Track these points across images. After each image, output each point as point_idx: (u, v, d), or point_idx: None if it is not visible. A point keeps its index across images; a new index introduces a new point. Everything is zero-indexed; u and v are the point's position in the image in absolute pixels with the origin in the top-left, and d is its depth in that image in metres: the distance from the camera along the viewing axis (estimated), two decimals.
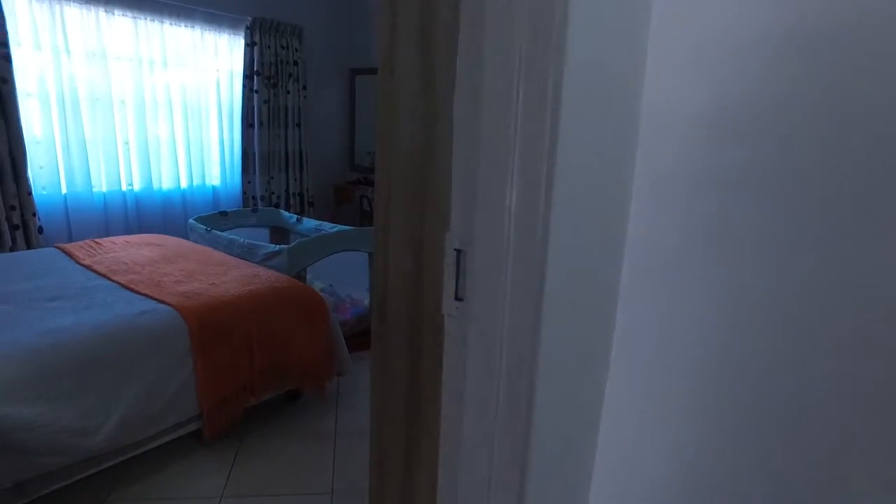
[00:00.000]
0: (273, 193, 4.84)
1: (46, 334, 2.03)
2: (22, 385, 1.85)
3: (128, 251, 3.12)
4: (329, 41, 5.35)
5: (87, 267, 2.85)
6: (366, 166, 5.57)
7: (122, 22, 3.85)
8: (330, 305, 3.47)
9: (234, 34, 4.51)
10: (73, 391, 1.95)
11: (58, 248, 3.16)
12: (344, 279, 3.80)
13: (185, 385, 2.25)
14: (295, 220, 4.00)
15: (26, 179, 3.45)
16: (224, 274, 2.78)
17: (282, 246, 3.02)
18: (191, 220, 3.59)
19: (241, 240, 3.24)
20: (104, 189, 3.89)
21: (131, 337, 2.13)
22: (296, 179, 4.97)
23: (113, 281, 2.65)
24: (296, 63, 4.83)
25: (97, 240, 3.29)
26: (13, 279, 2.63)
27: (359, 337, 3.57)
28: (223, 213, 3.81)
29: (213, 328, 2.34)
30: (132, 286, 2.56)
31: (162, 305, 2.35)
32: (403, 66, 1.29)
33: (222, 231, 3.78)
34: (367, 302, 3.67)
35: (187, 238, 3.64)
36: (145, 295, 2.46)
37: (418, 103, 1.41)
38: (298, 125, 4.93)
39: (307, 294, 2.76)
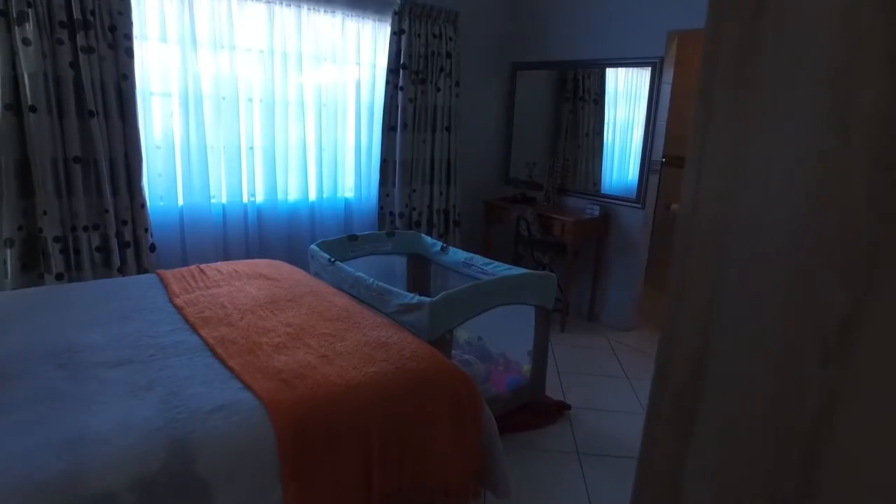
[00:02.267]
0: (414, 209, 4.08)
1: (70, 448, 1.32)
2: None
3: (231, 286, 2.47)
4: (489, 29, 4.49)
5: (179, 308, 2.21)
6: (523, 180, 4.63)
7: (254, 8, 3.27)
8: (480, 374, 2.58)
9: (379, 21, 3.81)
10: None
11: (159, 274, 2.59)
12: (498, 330, 2.89)
13: None
14: (439, 248, 3.18)
15: (140, 190, 2.96)
16: (342, 336, 1.99)
17: (422, 299, 2.18)
18: (313, 247, 2.90)
19: (371, 281, 2.45)
20: (224, 200, 3.34)
21: (193, 459, 1.37)
22: (441, 193, 4.17)
23: (200, 336, 1.97)
24: (449, 55, 4.03)
25: (202, 266, 2.69)
26: (92, 322, 2.04)
27: (514, 415, 2.65)
28: (352, 238, 3.08)
29: (314, 438, 1.53)
30: (219, 350, 1.85)
31: (247, 395, 1.59)
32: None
33: (351, 260, 3.07)
34: (526, 368, 2.74)
35: (308, 266, 2.95)
36: (230, 370, 1.72)
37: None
38: (448, 129, 4.13)
39: (454, 380, 1.87)
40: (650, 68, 3.70)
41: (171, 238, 3.19)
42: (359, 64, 3.77)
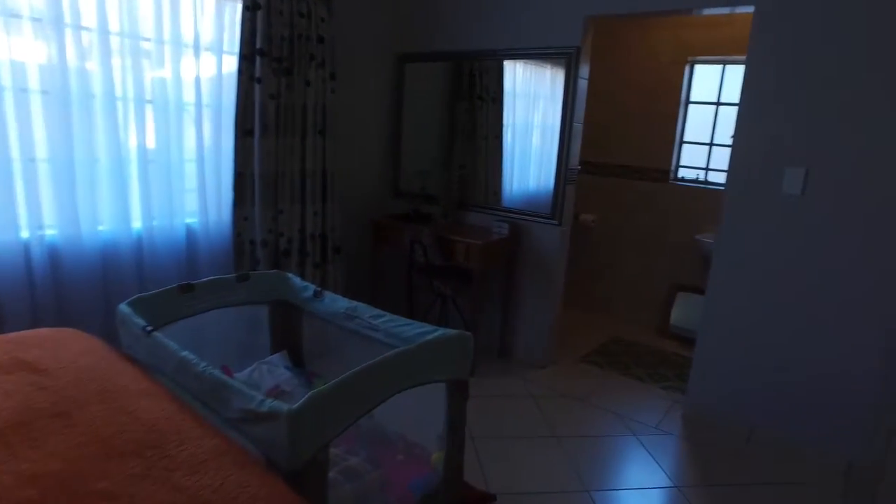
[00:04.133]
0: (281, 235, 3.22)
1: None
2: None
3: None
4: (371, 12, 3.74)
5: None
6: (416, 193, 3.91)
7: None
8: (372, 487, 1.82)
9: None
10: None
11: None
12: (395, 405, 2.14)
13: None
14: (312, 293, 2.38)
15: None
16: (133, 497, 1.14)
17: (276, 406, 1.38)
18: (122, 307, 1.98)
19: (202, 367, 1.61)
20: None
21: None
22: (316, 213, 3.34)
23: None
24: (321, 40, 3.21)
25: None
26: None
27: None
28: (186, 288, 2.18)
29: None
30: None
31: None
32: None
33: (187, 318, 2.19)
34: (437, 456, 2.02)
35: (118, 338, 2.03)
36: None
37: None
38: (322, 132, 3.31)
39: None
40: (564, 60, 3.13)
41: None
42: (198, 47, 2.84)
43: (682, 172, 4.29)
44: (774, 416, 2.74)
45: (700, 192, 4.12)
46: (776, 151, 2.60)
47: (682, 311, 4.12)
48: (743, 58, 2.66)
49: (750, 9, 2.64)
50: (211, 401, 1.57)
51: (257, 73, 3.01)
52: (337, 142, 3.44)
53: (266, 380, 2.41)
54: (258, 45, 2.98)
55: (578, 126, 3.22)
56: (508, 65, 3.46)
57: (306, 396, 1.38)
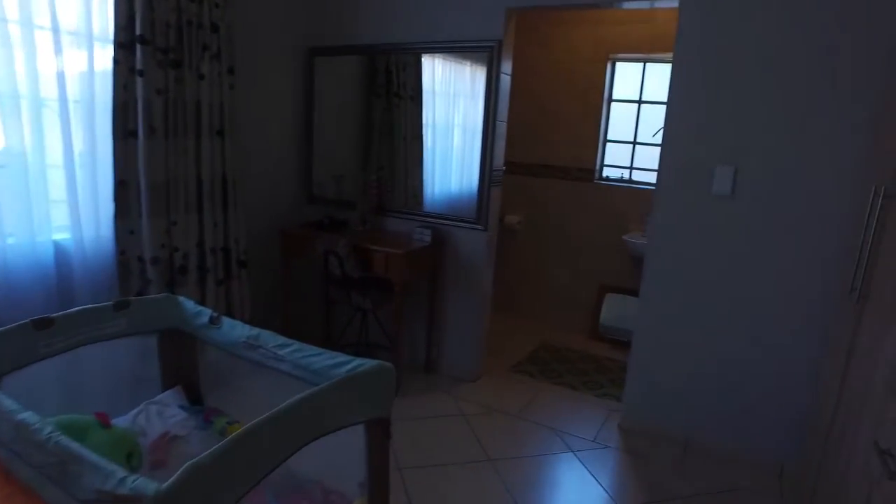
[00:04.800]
0: (176, 250, 2.82)
1: None
2: None
3: None
4: (273, 1, 3.38)
5: None
6: (331, 198, 3.60)
7: None
8: None
9: None
10: None
11: None
12: (308, 450, 1.84)
13: None
14: (207, 319, 2.04)
15: None
16: None
17: (140, 485, 1.06)
18: None
19: (47, 433, 1.25)
20: None
21: None
22: (216, 224, 2.97)
23: None
24: (215, 28, 2.84)
25: None
26: None
27: None
28: (42, 323, 1.78)
29: None
30: None
31: None
32: None
33: (47, 359, 1.80)
34: (358, 503, 1.75)
35: None
36: None
37: None
38: (221, 133, 2.94)
39: None
40: (486, 54, 2.93)
41: None
42: (57, 30, 2.40)
43: (606, 171, 4.22)
44: (710, 421, 2.67)
45: (625, 191, 4.06)
46: (705, 150, 2.52)
47: (611, 310, 4.05)
48: (663, 56, 2.57)
49: (674, 4, 2.55)
50: (59, 478, 1.23)
51: (138, 65, 2.60)
52: (239, 143, 3.07)
53: (154, 424, 2.05)
54: (138, 32, 2.58)
55: (502, 125, 3.04)
56: (427, 60, 3.22)
57: (180, 471, 1.07)
